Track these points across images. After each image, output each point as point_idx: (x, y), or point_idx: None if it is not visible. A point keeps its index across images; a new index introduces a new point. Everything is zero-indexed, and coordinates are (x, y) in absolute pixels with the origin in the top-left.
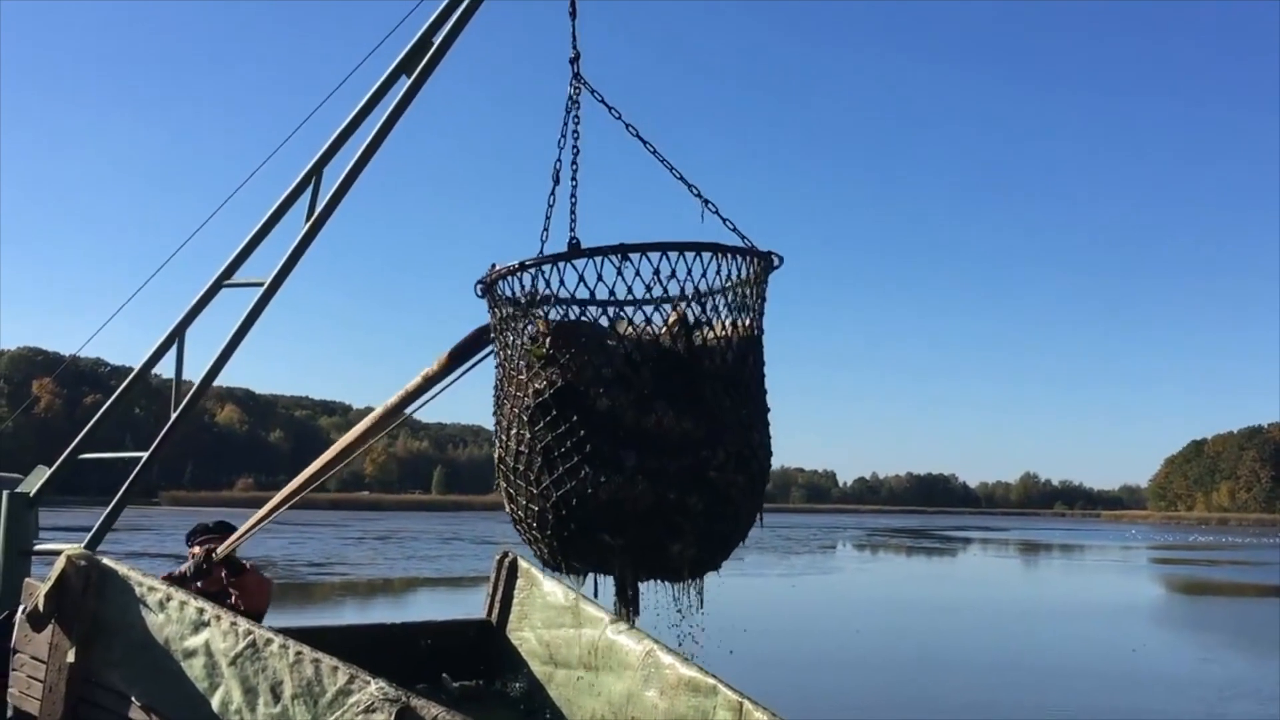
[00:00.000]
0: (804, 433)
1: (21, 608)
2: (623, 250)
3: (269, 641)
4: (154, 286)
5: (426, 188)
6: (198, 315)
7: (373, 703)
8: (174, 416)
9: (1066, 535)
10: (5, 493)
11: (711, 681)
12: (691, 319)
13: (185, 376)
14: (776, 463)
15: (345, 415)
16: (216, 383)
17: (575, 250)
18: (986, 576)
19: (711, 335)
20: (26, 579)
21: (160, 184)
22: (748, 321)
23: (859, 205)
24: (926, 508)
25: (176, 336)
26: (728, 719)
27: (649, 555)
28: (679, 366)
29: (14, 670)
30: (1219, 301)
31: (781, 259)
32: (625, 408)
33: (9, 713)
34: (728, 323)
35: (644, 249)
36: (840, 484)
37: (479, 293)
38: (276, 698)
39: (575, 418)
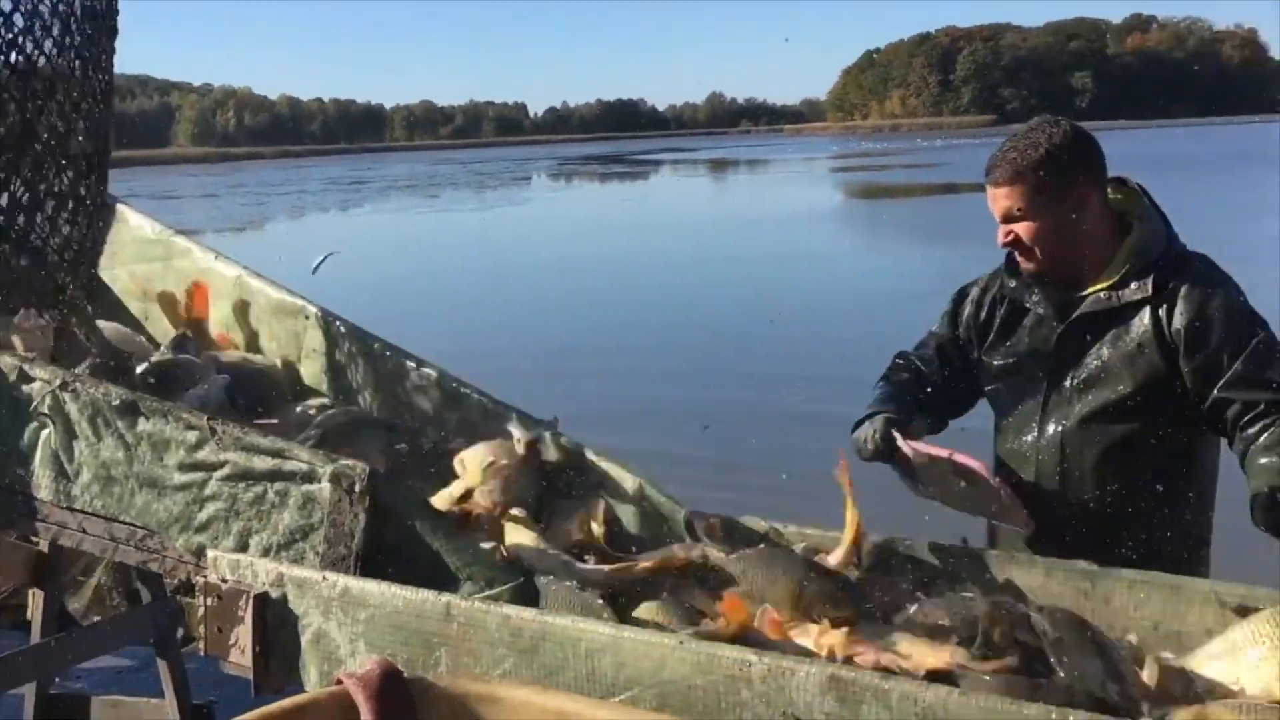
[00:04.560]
0: (491, 65)
1: None
2: None
3: None
4: None
5: None
6: None
7: None
8: None
9: (753, 151)
10: None
11: (301, 303)
12: None
13: None
14: (465, 97)
15: None
16: None
17: None
18: (679, 194)
19: None
20: None
21: None
22: None
23: None
24: (619, 134)
25: None
26: (318, 335)
27: None
28: None
29: None
30: None
31: None
32: None
33: None
34: None
35: None
36: (531, 115)
37: None
38: None
39: None
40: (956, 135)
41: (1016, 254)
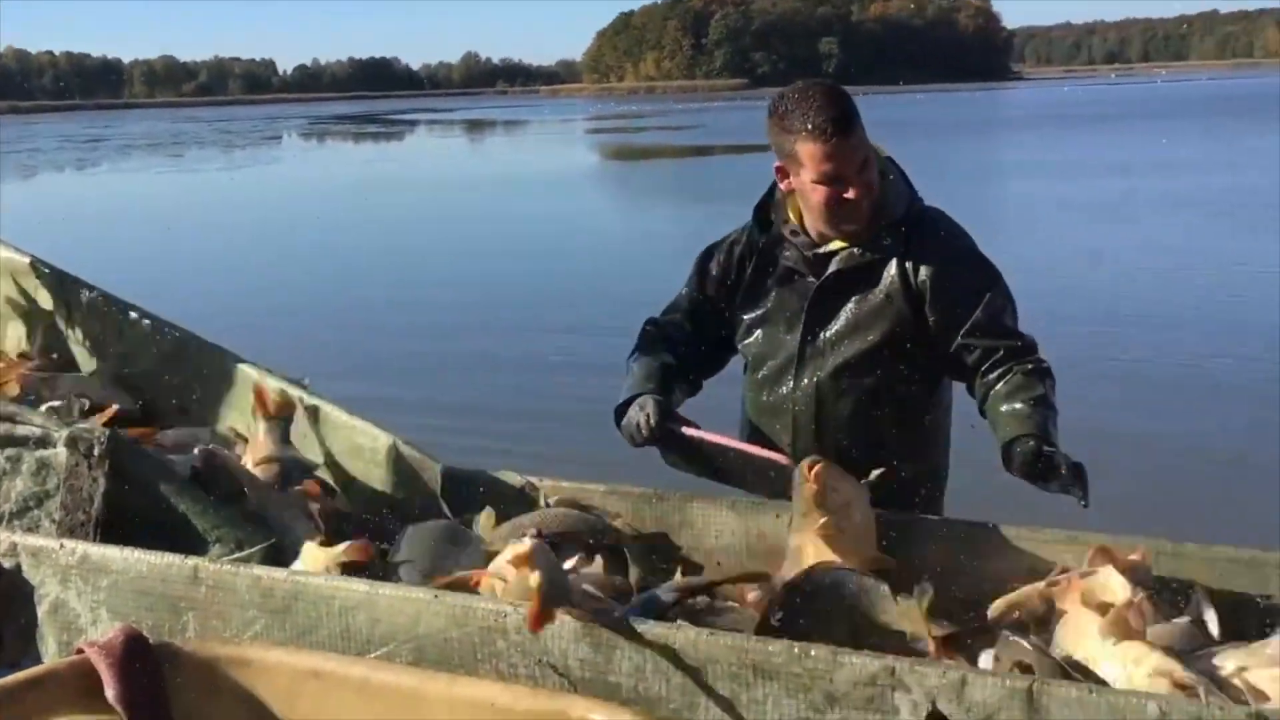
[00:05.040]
0: (236, 19)
1: None
2: None
3: None
4: None
5: None
6: None
7: None
8: None
9: (509, 112)
10: None
11: (27, 260)
12: None
13: None
14: (209, 52)
15: None
16: None
17: None
18: (437, 155)
19: None
20: None
21: None
22: None
23: None
24: (372, 93)
25: None
26: (48, 295)
27: None
28: None
29: None
30: None
31: None
32: None
33: None
34: None
35: None
36: (280, 72)
37: None
38: None
39: None
40: (710, 98)
41: (846, 212)
